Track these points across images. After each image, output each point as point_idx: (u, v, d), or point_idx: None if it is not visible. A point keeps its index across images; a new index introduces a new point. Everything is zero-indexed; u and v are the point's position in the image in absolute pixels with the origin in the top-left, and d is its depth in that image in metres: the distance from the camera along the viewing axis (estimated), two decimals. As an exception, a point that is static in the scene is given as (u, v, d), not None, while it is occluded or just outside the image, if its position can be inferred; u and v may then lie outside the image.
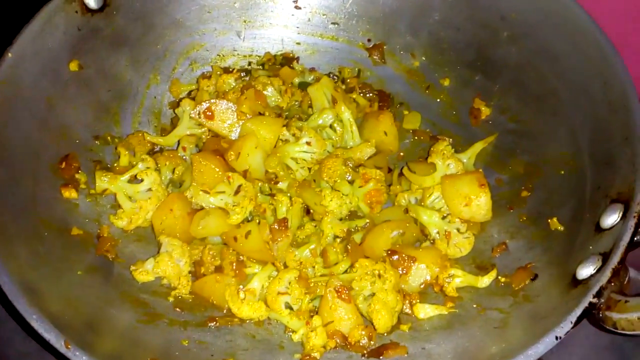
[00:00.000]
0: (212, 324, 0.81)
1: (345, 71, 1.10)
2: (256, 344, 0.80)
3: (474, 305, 0.80)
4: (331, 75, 1.09)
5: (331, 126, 1.00)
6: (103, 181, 0.90)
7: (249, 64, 1.10)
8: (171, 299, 0.84)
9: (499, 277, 0.82)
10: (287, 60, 1.10)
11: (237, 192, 0.89)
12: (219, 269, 0.86)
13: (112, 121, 0.99)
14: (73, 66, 0.93)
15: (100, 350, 0.65)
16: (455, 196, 0.87)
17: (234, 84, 1.02)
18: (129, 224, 0.90)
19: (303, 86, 1.06)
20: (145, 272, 0.84)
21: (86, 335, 0.68)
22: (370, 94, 1.08)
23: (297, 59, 1.11)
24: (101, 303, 0.76)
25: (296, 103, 1.04)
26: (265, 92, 1.01)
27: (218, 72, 1.05)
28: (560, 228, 0.80)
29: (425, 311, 0.82)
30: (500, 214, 0.89)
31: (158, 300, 0.83)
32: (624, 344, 0.91)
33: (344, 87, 1.08)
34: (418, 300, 0.83)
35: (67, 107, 0.92)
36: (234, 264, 0.85)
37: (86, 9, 0.94)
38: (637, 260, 0.89)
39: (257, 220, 0.88)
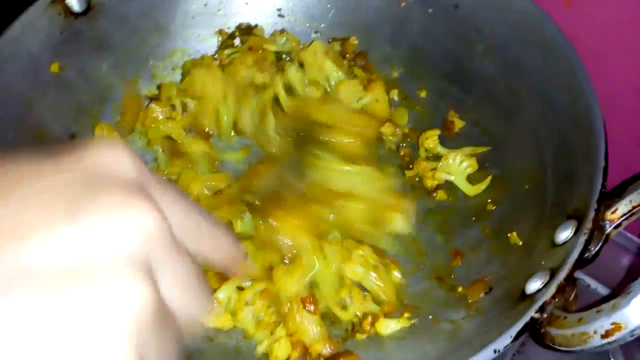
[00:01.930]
0: None
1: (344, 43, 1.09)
2: (213, 348, 0.81)
3: (429, 317, 0.80)
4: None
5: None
6: None
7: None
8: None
9: (458, 288, 0.82)
10: (247, 30, 1.10)
11: None
12: None
13: (91, 123, 1.01)
14: (54, 68, 0.95)
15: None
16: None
17: None
18: None
19: (278, 56, 1.06)
20: None
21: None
22: (364, 63, 1.08)
23: (256, 25, 1.11)
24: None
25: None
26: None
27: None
28: (519, 242, 0.80)
29: (390, 327, 0.81)
30: (465, 225, 0.90)
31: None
32: (588, 358, 0.91)
33: (338, 48, 1.08)
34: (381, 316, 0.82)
35: (45, 108, 0.94)
36: (217, 277, 0.83)
37: (69, 12, 0.96)
38: (600, 271, 0.90)
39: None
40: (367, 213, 0.88)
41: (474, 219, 0.90)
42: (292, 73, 1.02)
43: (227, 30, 1.11)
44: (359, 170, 0.92)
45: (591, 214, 0.69)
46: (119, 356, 0.29)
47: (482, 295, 0.77)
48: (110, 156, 0.34)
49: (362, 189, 0.90)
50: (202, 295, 0.37)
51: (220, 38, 1.11)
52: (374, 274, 0.83)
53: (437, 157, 0.97)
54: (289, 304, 0.80)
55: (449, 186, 0.94)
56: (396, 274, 0.85)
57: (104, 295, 0.29)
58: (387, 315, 0.82)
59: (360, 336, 0.81)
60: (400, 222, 0.89)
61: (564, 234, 0.71)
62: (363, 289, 0.85)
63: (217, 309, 0.81)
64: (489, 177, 0.91)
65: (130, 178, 0.34)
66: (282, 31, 1.10)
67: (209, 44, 1.11)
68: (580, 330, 0.57)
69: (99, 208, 0.31)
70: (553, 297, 0.64)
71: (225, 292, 0.82)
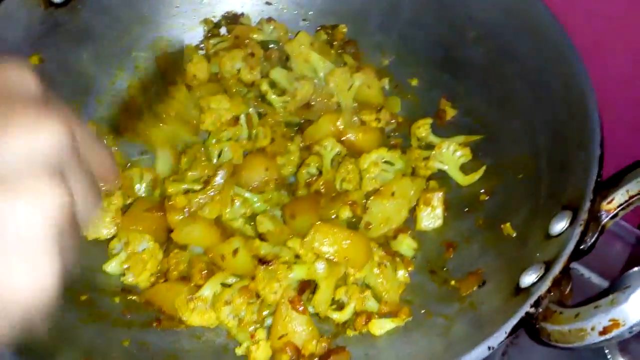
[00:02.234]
0: (155, 324, 0.79)
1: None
2: (200, 346, 0.79)
3: (422, 311, 0.78)
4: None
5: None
6: None
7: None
8: (117, 300, 0.82)
9: (450, 282, 0.80)
10: (234, 18, 1.07)
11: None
12: (186, 279, 0.82)
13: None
14: (34, 60, 0.93)
15: (30, 347, 0.64)
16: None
17: None
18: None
19: (265, 45, 1.04)
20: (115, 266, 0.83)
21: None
22: (353, 50, 1.05)
23: (242, 14, 1.08)
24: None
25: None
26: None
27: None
28: (513, 234, 0.78)
29: (383, 326, 0.78)
30: (458, 216, 0.88)
31: (105, 300, 0.81)
32: (582, 351, 0.89)
33: (325, 37, 1.05)
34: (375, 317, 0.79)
35: (25, 102, 0.91)
36: (204, 273, 0.81)
37: (49, 2, 0.93)
38: (594, 260, 0.88)
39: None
40: (394, 210, 0.86)
41: (467, 209, 0.88)
42: (277, 74, 0.99)
43: (212, 19, 1.09)
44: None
45: (587, 205, 0.67)
46: (44, 247, 0.36)
47: (475, 288, 0.76)
48: (15, 76, 0.40)
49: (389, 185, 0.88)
50: (97, 197, 0.43)
51: (205, 27, 1.09)
52: (377, 271, 0.81)
53: (429, 146, 0.95)
54: (275, 305, 0.78)
55: (441, 176, 0.92)
56: (402, 274, 0.83)
57: (27, 198, 0.35)
58: (383, 315, 0.80)
59: (351, 332, 0.79)
60: (429, 217, 0.88)
61: (559, 225, 0.69)
62: (365, 285, 0.83)
63: (200, 306, 0.78)
64: (483, 167, 0.89)
65: (37, 96, 0.39)
66: (270, 19, 1.07)
67: (195, 34, 1.08)
68: (577, 327, 0.55)
69: (16, 124, 0.36)
70: (548, 290, 0.62)
71: (209, 289, 0.80)
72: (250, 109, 0.97)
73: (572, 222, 0.67)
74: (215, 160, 0.93)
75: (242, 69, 1.00)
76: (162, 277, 0.83)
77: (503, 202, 0.84)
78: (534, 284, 0.65)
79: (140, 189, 0.91)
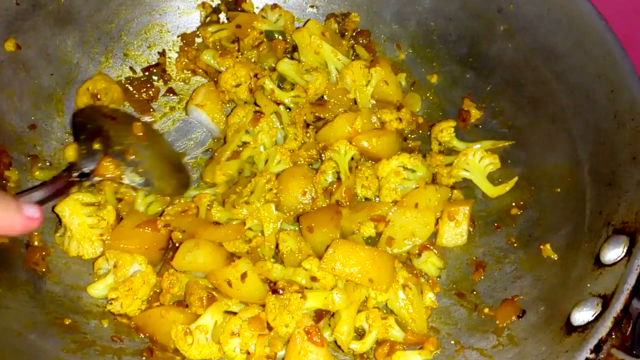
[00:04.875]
0: (144, 356, 0.70)
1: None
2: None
3: (452, 342, 0.70)
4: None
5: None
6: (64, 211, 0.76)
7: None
8: (106, 324, 0.72)
9: (483, 308, 0.72)
10: (235, 3, 0.97)
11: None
12: (181, 304, 0.73)
13: (54, 109, 0.87)
14: (9, 46, 0.82)
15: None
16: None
17: None
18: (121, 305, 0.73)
19: (271, 36, 0.94)
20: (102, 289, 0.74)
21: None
22: (366, 42, 0.96)
23: None
24: (20, 328, 0.65)
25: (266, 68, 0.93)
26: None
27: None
28: (554, 256, 0.70)
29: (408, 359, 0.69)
30: (486, 232, 0.80)
31: (91, 324, 0.72)
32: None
33: (336, 27, 0.96)
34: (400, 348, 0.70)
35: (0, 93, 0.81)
36: (204, 300, 0.71)
37: (26, -21, 0.82)
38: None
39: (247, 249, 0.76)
40: (418, 223, 0.77)
41: (496, 224, 0.79)
42: (285, 66, 0.89)
43: (211, 3, 0.98)
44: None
45: (647, 231, 0.59)
46: None
47: (513, 319, 0.67)
48: None
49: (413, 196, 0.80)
50: None
51: (203, 12, 0.98)
52: (402, 295, 0.72)
53: (451, 151, 0.86)
54: (289, 337, 0.68)
55: (466, 185, 0.84)
56: (430, 297, 0.74)
57: None
58: (408, 345, 0.71)
59: (372, 364, 0.70)
60: (451, 232, 0.79)
61: (614, 253, 0.61)
62: (388, 310, 0.74)
63: (200, 338, 0.69)
64: (515, 178, 0.80)
65: None
66: (275, 6, 0.97)
67: (191, 19, 0.98)
68: (657, 385, 0.47)
69: None
70: (610, 332, 0.54)
71: (210, 317, 0.70)
72: (281, 107, 0.88)
73: (631, 251, 0.59)
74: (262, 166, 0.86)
75: (242, 86, 0.90)
76: (155, 300, 0.74)
77: (539, 218, 0.76)
78: (590, 323, 0.57)
79: (140, 202, 0.82)
